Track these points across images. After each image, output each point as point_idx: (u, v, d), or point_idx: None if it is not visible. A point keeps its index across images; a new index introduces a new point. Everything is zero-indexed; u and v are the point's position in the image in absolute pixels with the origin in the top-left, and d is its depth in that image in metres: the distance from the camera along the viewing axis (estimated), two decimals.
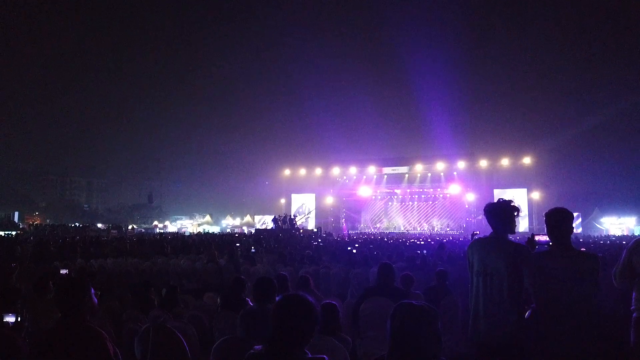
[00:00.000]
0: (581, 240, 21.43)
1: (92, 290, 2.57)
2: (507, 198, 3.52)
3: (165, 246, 16.04)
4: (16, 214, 52.53)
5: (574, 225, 3.29)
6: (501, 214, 3.31)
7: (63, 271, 8.19)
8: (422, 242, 19.55)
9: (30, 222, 49.03)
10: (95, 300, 2.58)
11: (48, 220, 54.91)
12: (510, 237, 3.37)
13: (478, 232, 6.10)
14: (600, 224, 37.38)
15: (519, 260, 3.13)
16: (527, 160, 37.58)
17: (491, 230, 3.42)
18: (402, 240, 22.92)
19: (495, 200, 3.46)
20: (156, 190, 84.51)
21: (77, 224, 46.67)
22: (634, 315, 3.32)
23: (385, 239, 23.55)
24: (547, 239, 3.38)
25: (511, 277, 3.11)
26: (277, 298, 2.22)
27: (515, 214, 3.36)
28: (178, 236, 27.66)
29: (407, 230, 39.01)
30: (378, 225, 42.47)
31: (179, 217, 67.69)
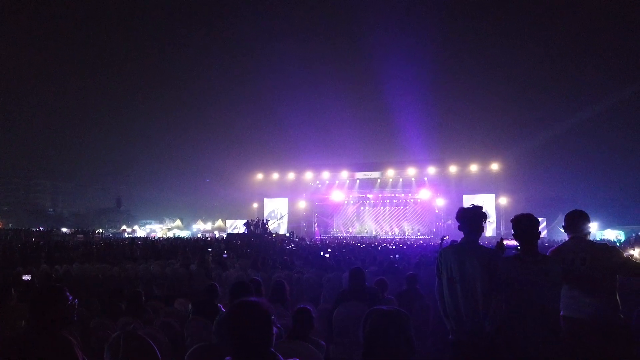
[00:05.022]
0: (546, 244, 22.02)
1: (70, 298, 2.51)
2: (476, 204, 3.63)
3: (134, 251, 15.70)
4: None
5: (539, 230, 3.41)
6: (474, 219, 3.41)
7: (25, 277, 7.90)
8: (394, 247, 19.79)
9: None
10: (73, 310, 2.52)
11: (10, 225, 52.92)
12: (480, 241, 3.48)
13: (447, 237, 6.23)
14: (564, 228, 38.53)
15: (491, 264, 3.23)
16: (494, 166, 38.56)
17: (462, 236, 3.51)
18: (375, 244, 23.10)
19: (467, 206, 3.55)
20: (125, 194, 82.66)
21: (41, 229, 45.10)
22: (562, 313, 3.48)
23: (358, 244, 23.70)
24: (516, 243, 3.50)
25: (485, 282, 3.19)
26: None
27: (484, 219, 3.47)
28: (148, 241, 27.10)
29: (379, 235, 39.34)
30: (350, 230, 42.70)
31: (148, 221, 66.37)
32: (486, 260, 3.23)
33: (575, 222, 3.79)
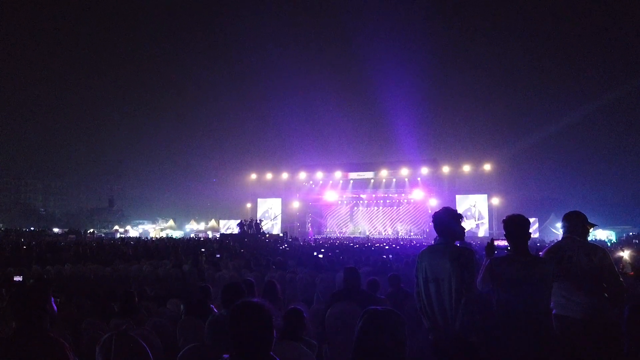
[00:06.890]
0: (538, 244, 22.15)
1: (52, 298, 2.48)
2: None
3: (126, 251, 15.62)
4: None
5: (531, 230, 3.46)
6: (448, 221, 3.48)
7: (17, 278, 7.85)
8: (387, 247, 19.83)
9: None
10: (55, 308, 2.50)
11: (1, 225, 52.41)
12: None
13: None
14: (556, 229, 38.70)
15: (463, 264, 3.28)
16: (487, 166, 38.69)
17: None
18: (368, 245, 23.14)
19: (440, 209, 3.63)
20: (117, 194, 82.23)
21: (32, 229, 44.72)
22: (554, 312, 3.52)
23: (351, 244, 23.72)
24: (507, 243, 3.54)
25: (456, 281, 3.25)
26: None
27: (460, 220, 3.54)
28: (141, 241, 26.93)
29: (372, 235, 39.36)
30: (344, 230, 42.69)
31: (141, 221, 65.91)
32: (457, 260, 3.29)
33: (574, 222, 3.85)
